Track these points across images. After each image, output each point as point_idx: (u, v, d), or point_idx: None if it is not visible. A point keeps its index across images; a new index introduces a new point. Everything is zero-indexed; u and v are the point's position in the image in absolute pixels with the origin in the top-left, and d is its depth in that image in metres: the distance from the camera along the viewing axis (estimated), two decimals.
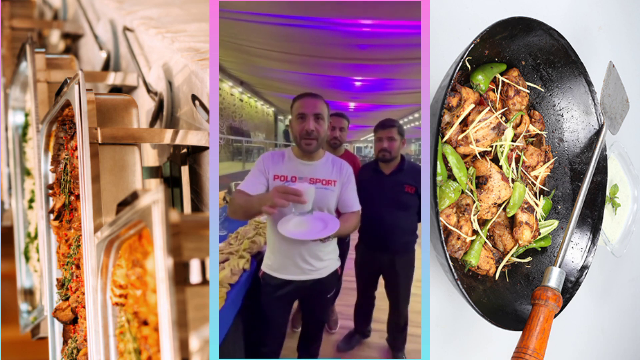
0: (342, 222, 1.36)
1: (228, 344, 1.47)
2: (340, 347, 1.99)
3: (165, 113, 1.32)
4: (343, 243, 2.15)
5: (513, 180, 1.21)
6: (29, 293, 1.59)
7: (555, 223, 1.27)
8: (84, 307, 1.12)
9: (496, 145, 1.20)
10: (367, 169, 1.81)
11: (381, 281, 1.88)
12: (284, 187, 1.21)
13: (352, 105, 4.91)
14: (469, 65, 1.18)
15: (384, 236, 1.76)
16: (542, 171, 1.26)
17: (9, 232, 1.66)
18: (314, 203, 1.28)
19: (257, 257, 1.74)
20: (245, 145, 4.83)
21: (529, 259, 1.26)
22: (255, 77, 4.14)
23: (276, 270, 1.43)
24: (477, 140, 1.15)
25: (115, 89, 1.51)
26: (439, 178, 1.12)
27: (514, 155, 1.22)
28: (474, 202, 1.16)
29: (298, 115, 1.33)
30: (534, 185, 1.26)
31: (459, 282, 1.05)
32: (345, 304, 2.15)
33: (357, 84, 3.69)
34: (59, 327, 1.23)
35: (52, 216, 1.25)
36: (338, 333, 2.13)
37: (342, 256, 2.18)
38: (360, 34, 2.32)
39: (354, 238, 1.90)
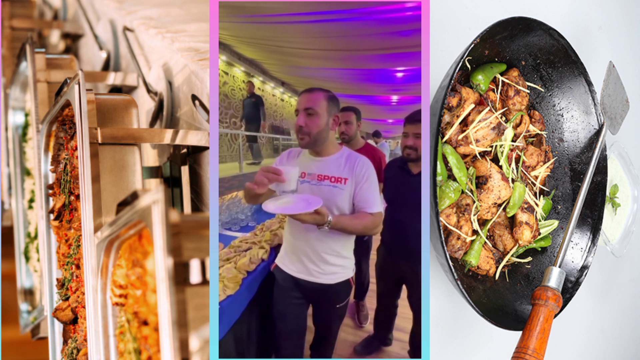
0: (352, 218, 1.31)
1: (241, 328, 1.50)
2: (358, 351, 1.93)
3: (165, 113, 1.32)
4: (362, 241, 2.04)
5: (513, 180, 1.21)
6: (29, 293, 1.59)
7: (555, 223, 1.27)
8: (84, 307, 1.12)
9: (496, 145, 1.20)
10: (393, 166, 1.67)
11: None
12: (266, 167, 1.22)
13: (394, 98, 4.73)
14: (469, 65, 1.18)
15: (406, 242, 1.61)
16: (542, 171, 1.26)
17: (9, 232, 1.66)
18: (327, 199, 1.27)
19: (277, 249, 1.78)
20: (282, 143, 5.01)
21: (529, 259, 1.26)
22: (295, 77, 4.18)
23: (286, 265, 1.42)
24: (477, 140, 1.15)
25: (115, 89, 1.51)
26: (439, 178, 1.12)
27: (514, 155, 1.22)
28: (474, 202, 1.16)
29: (295, 112, 1.33)
30: (534, 185, 1.26)
31: (459, 282, 1.05)
32: (370, 307, 2.12)
33: (399, 74, 3.51)
34: (59, 327, 1.22)
35: (52, 216, 1.25)
36: (357, 335, 2.08)
37: (362, 255, 2.15)
38: (403, 20, 2.21)
39: (377, 238, 1.81)
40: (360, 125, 2.03)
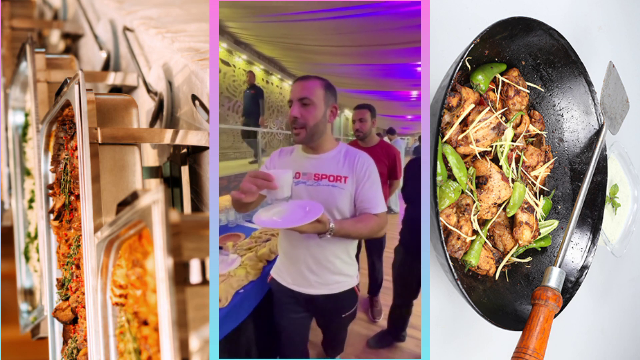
0: (355, 221, 1.20)
1: (260, 312, 1.52)
2: (371, 344, 1.88)
3: (165, 113, 1.32)
4: (374, 238, 2.07)
5: (513, 180, 1.21)
6: (29, 293, 1.59)
7: (555, 223, 1.27)
8: (84, 307, 1.12)
9: (496, 145, 1.20)
10: (415, 164, 1.60)
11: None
12: (255, 172, 1.10)
13: (414, 93, 4.63)
14: (469, 65, 1.18)
15: None
16: (542, 171, 1.26)
17: (9, 232, 1.66)
18: (325, 201, 1.17)
19: None
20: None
21: (529, 259, 1.26)
22: (313, 74, 4.17)
23: (282, 278, 1.31)
24: (477, 140, 1.15)
25: (115, 89, 1.51)
26: (439, 178, 1.12)
27: (514, 155, 1.22)
28: (474, 202, 1.16)
29: (288, 102, 1.21)
30: (534, 185, 1.26)
31: (459, 282, 1.05)
32: (384, 303, 2.12)
33: (419, 69, 3.50)
34: (59, 327, 1.22)
35: (52, 216, 1.25)
36: (370, 329, 2.06)
37: (375, 251, 2.13)
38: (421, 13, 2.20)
39: (394, 237, 1.73)
40: (375, 123, 2.01)
